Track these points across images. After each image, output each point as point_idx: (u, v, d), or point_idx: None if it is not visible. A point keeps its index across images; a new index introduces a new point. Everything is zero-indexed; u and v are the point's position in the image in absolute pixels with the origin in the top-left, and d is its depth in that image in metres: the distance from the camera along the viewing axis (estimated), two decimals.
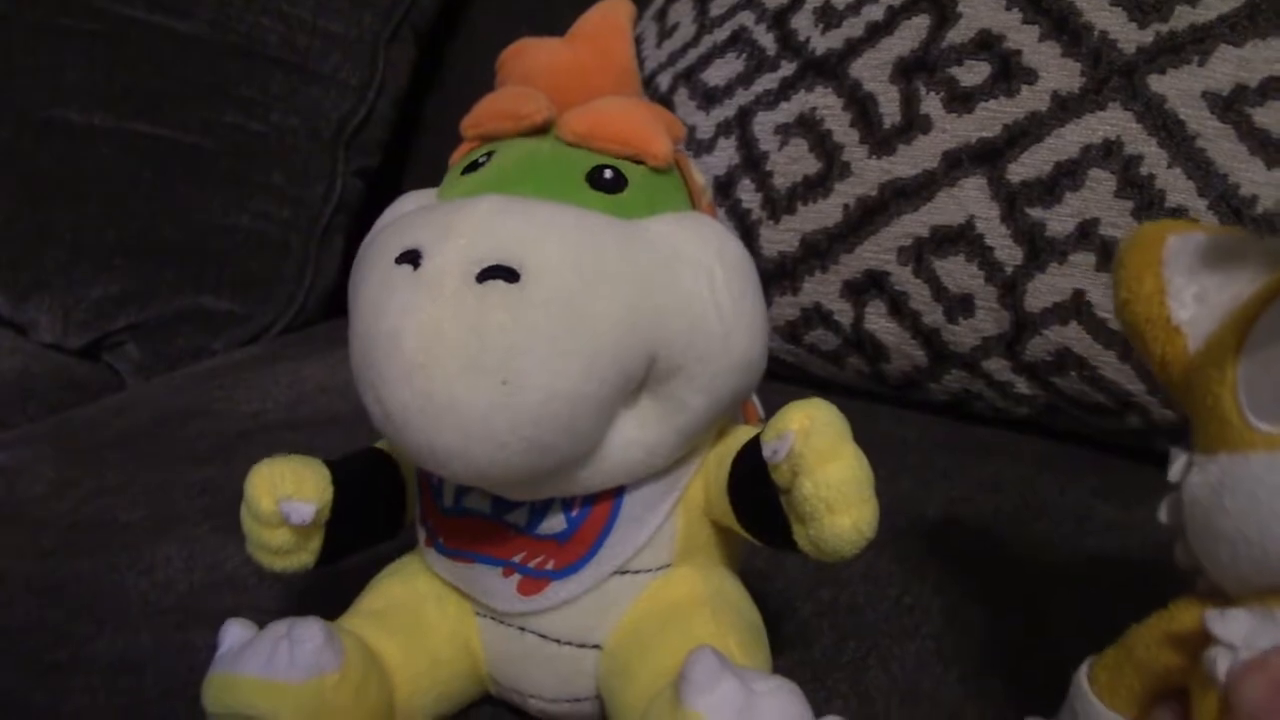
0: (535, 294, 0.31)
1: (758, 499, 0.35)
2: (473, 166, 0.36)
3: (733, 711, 0.30)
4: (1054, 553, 0.53)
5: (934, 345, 0.66)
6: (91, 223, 0.89)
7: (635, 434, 0.35)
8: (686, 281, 0.34)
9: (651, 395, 0.34)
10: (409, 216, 0.35)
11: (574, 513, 0.36)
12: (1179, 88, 0.59)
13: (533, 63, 0.40)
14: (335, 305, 0.99)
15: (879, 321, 0.67)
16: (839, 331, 0.69)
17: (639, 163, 0.36)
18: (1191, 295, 0.30)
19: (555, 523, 0.36)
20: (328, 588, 0.42)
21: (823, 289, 0.68)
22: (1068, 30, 0.62)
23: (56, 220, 0.89)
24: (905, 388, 0.69)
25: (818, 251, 0.68)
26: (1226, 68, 0.59)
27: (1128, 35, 0.61)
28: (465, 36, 1.08)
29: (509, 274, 0.31)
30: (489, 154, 0.37)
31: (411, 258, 0.32)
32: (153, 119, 0.91)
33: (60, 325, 0.87)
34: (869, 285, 0.67)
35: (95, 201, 0.89)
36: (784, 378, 0.73)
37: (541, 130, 0.37)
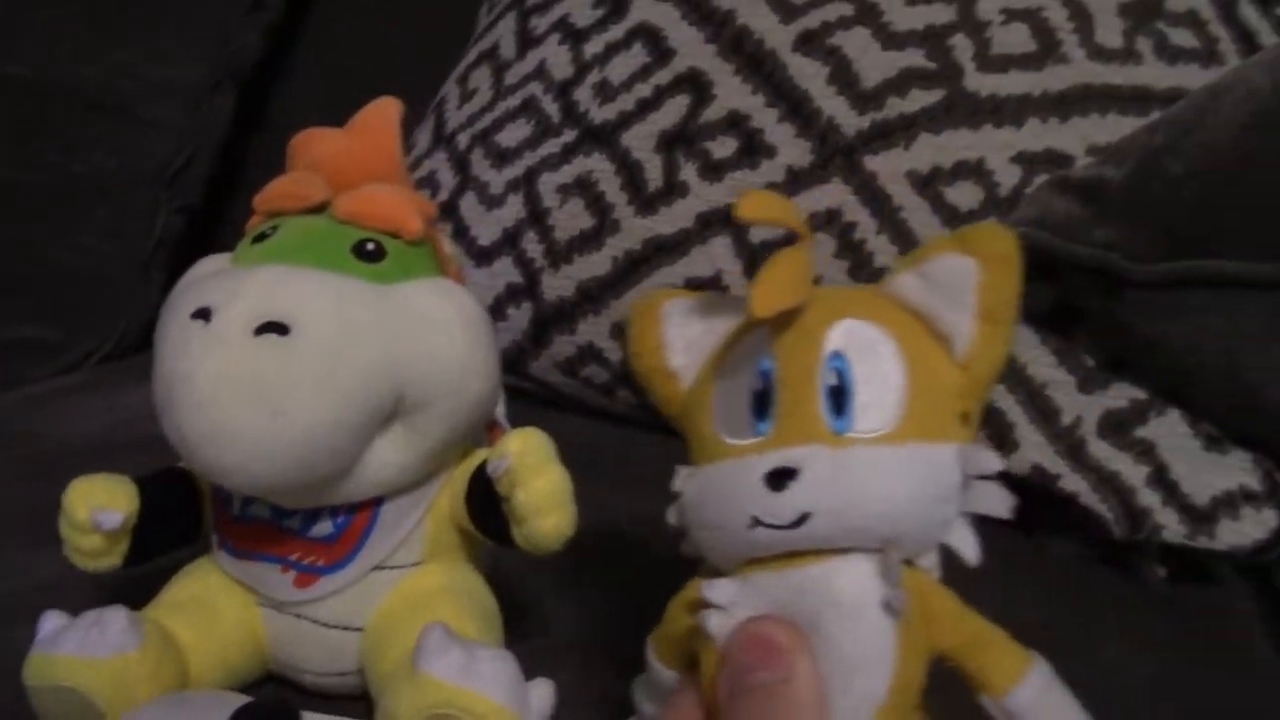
0: (302, 344, 0.39)
1: (487, 506, 0.43)
2: (261, 237, 0.45)
3: (457, 672, 0.38)
4: None
5: None
6: None
7: (389, 456, 0.43)
8: (430, 335, 0.42)
9: (401, 424, 0.43)
10: (205, 279, 0.43)
11: (339, 519, 0.44)
12: (888, 167, 0.70)
13: (317, 150, 0.48)
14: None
15: None
16: (609, 367, 0.78)
17: (396, 237, 0.45)
18: (682, 346, 0.37)
19: (324, 527, 0.44)
20: (131, 591, 0.48)
21: (595, 330, 0.78)
22: (802, 114, 0.72)
23: None
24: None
25: (591, 297, 0.77)
26: (927, 151, 0.70)
27: (849, 120, 0.71)
28: (286, 81, 1.15)
29: (281, 328, 0.39)
30: (275, 226, 0.45)
31: (204, 314, 0.40)
32: None
33: None
34: None
35: None
36: (564, 407, 0.82)
37: (320, 208, 0.46)
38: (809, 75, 0.73)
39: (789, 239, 0.35)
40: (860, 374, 0.33)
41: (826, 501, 0.32)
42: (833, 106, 0.72)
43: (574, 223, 0.78)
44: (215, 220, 1.10)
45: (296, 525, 0.44)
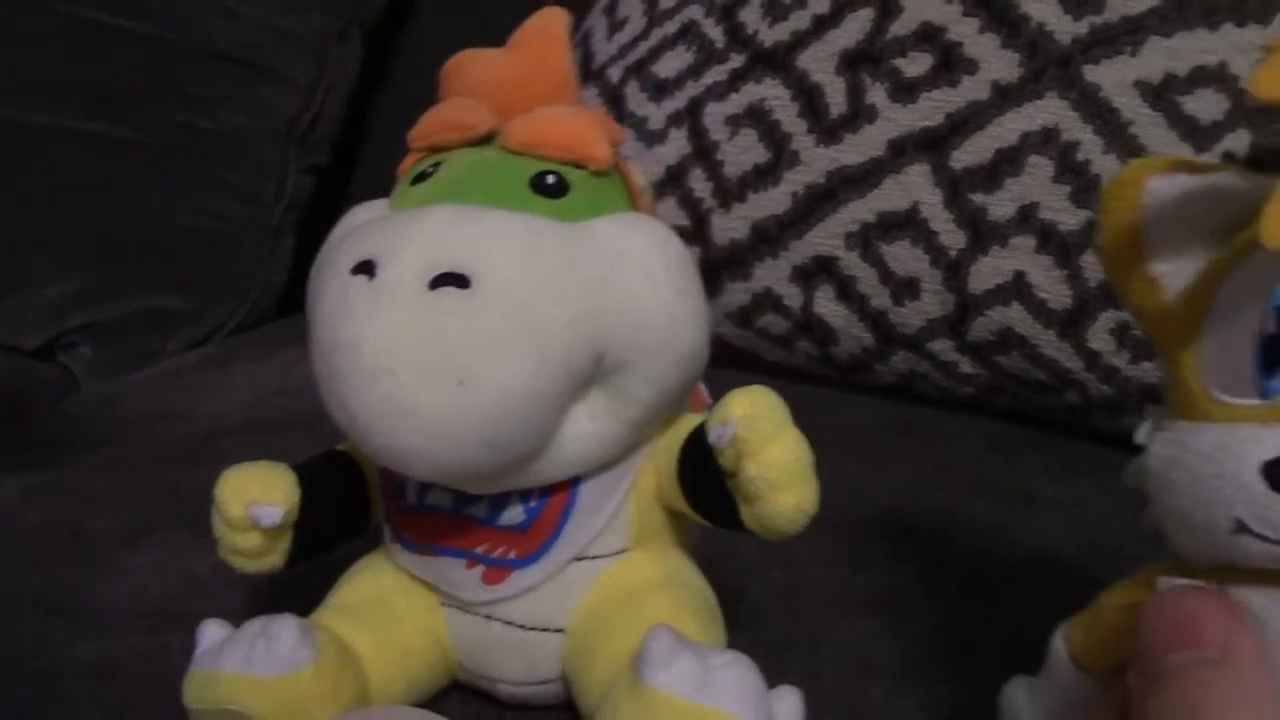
0: (486, 299, 0.33)
1: (705, 483, 0.36)
2: (421, 177, 0.38)
3: (690, 685, 0.31)
4: (997, 530, 0.55)
5: (881, 327, 0.68)
6: (43, 222, 0.88)
7: (588, 427, 0.36)
8: (630, 280, 0.35)
9: (601, 389, 0.36)
10: (364, 228, 0.36)
11: (532, 504, 0.38)
12: (1113, 77, 0.61)
13: (474, 74, 0.41)
14: (287, 303, 1.00)
15: (828, 305, 0.69)
16: (789, 315, 0.71)
17: (580, 167, 0.38)
18: (1169, 247, 0.28)
19: (515, 514, 0.38)
20: (293, 589, 0.43)
21: (773, 274, 0.70)
22: (1006, 22, 0.64)
23: (7, 219, 0.88)
24: (853, 370, 0.71)
25: (768, 238, 0.70)
26: (1157, 58, 0.60)
27: (1063, 27, 0.62)
28: (411, 33, 1.09)
29: (460, 280, 0.33)
30: (436, 164, 0.38)
31: (367, 268, 0.34)
32: (103, 118, 0.91)
33: (13, 325, 0.86)
34: (818, 270, 0.68)
35: (46, 201, 0.88)
36: (735, 363, 0.74)
37: (485, 140, 0.39)
38: None
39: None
40: None
41: None
42: (1042, 12, 0.63)
43: (746, 156, 0.70)
44: (341, 185, 1.05)
45: (482, 514, 0.38)
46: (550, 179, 0.37)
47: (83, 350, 0.86)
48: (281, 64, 0.97)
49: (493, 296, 0.33)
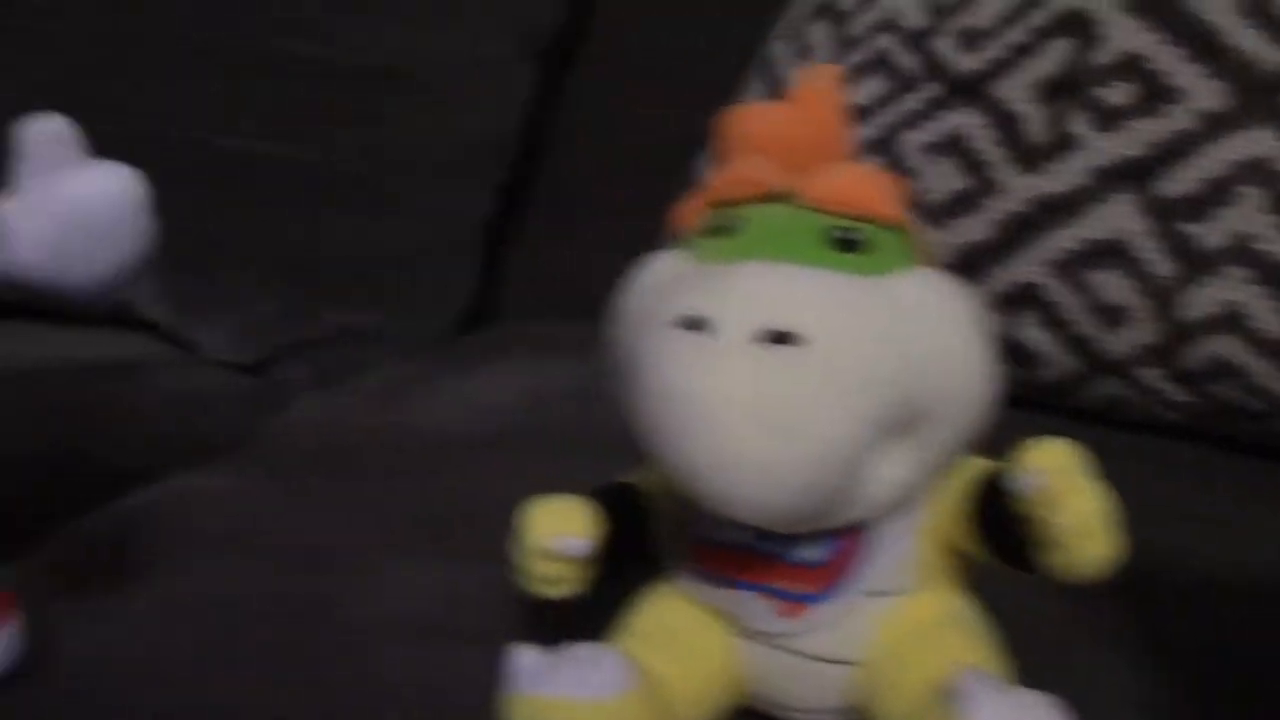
0: (811, 356, 0.35)
1: (1002, 528, 0.38)
2: (718, 229, 0.40)
3: None
4: (1200, 555, 0.55)
5: (1087, 354, 0.69)
6: (255, 243, 0.94)
7: (891, 472, 0.38)
8: (932, 333, 0.37)
9: (905, 436, 0.38)
10: (679, 281, 0.38)
11: (831, 543, 0.40)
12: None
13: (755, 129, 0.43)
14: (474, 319, 1.04)
15: (1031, 332, 0.70)
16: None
17: (872, 223, 0.40)
18: None
19: (813, 552, 0.40)
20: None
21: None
22: (1210, 52, 0.64)
23: (223, 240, 0.93)
24: (1056, 395, 0.72)
25: (970, 265, 0.71)
26: None
27: (1269, 56, 0.63)
28: (584, 55, 1.12)
29: (790, 338, 0.35)
30: (730, 218, 0.40)
31: (696, 323, 0.36)
32: (306, 143, 0.96)
33: (229, 343, 0.91)
34: (1021, 297, 0.70)
35: (258, 222, 0.94)
36: None
37: (777, 196, 0.41)
38: (1215, 7, 0.65)
39: None
40: None
41: None
42: (1247, 41, 0.64)
43: (946, 184, 0.72)
44: (523, 203, 1.08)
45: (782, 550, 0.40)
46: (851, 235, 0.39)
47: (293, 365, 0.91)
48: (460, 87, 1.01)
49: (818, 353, 0.35)
